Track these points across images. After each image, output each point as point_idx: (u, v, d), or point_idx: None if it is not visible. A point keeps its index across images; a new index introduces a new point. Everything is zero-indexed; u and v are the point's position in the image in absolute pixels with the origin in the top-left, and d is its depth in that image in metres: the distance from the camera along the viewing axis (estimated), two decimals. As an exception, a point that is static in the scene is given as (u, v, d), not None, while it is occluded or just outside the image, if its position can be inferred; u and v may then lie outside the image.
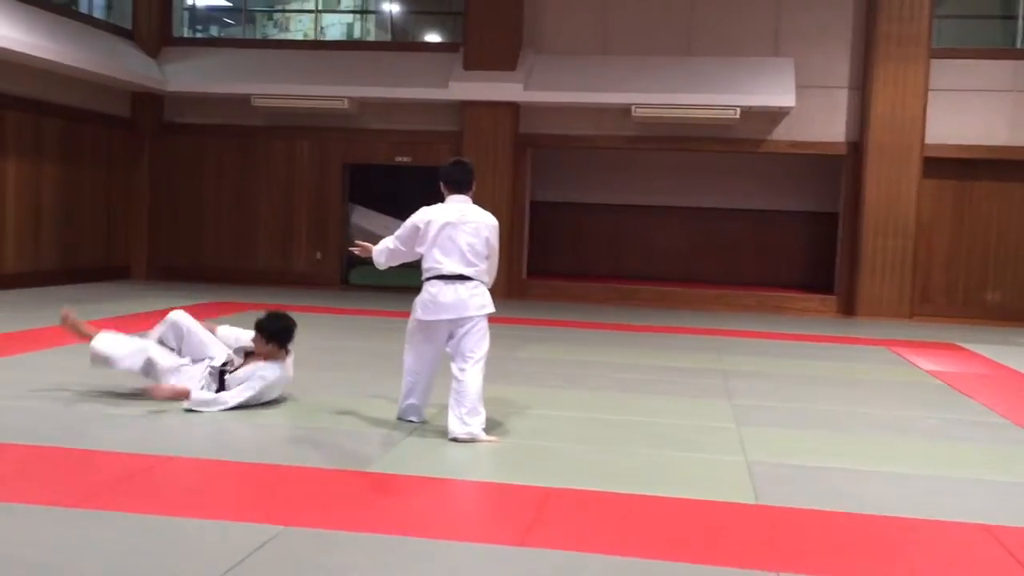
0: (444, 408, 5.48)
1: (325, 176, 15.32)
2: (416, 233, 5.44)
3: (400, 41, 16.57)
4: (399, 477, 4.59)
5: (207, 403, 5.74)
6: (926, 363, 9.23)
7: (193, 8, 17.06)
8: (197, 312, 7.00)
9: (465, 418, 5.29)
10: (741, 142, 14.38)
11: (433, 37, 17.27)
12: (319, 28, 16.61)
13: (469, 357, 5.38)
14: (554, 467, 4.89)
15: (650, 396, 6.98)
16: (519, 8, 14.61)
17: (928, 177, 13.86)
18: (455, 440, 5.26)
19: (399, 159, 15.13)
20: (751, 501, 4.40)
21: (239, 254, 15.49)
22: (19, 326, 9.13)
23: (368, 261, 5.75)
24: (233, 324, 6.41)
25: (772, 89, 13.65)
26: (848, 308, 14.12)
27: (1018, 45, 14.34)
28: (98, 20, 14.91)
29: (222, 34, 17.46)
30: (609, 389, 7.18)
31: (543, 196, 15.88)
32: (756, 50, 14.24)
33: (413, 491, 4.41)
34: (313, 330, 9.75)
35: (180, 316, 6.10)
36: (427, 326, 5.44)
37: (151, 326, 6.31)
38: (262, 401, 5.93)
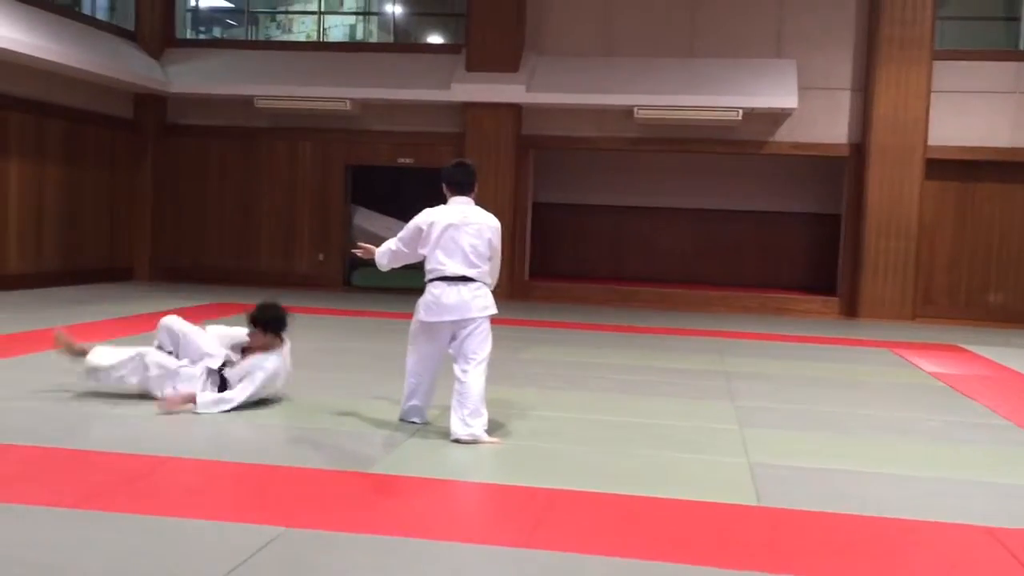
0: (446, 409, 5.47)
1: (327, 177, 15.33)
2: (419, 235, 5.44)
3: (402, 43, 16.58)
4: (401, 478, 4.59)
5: (214, 404, 5.74)
6: (928, 365, 9.22)
7: (196, 9, 17.08)
8: (199, 313, 7.01)
9: (467, 419, 5.28)
10: (743, 143, 14.38)
11: (435, 38, 17.28)
12: (322, 29, 16.63)
13: (471, 358, 5.38)
14: (556, 468, 4.89)
15: (652, 398, 6.97)
16: (521, 10, 14.62)
17: (930, 179, 13.85)
18: (457, 441, 5.26)
19: (401, 160, 15.14)
20: (753, 503, 4.40)
21: (242, 255, 15.50)
22: (22, 327, 9.13)
23: (371, 263, 5.75)
24: (235, 325, 6.41)
25: (775, 91, 13.65)
26: (850, 310, 14.11)
27: (1021, 47, 14.34)
28: (101, 21, 14.93)
29: (225, 35, 17.48)
30: (611, 391, 7.18)
31: (545, 198, 15.88)
32: (759, 52, 14.24)
33: (415, 492, 4.40)
34: (315, 331, 9.76)
35: (172, 320, 6.12)
36: (430, 327, 5.45)
37: (153, 327, 6.31)
38: (266, 394, 5.94)
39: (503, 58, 14.37)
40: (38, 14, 12.63)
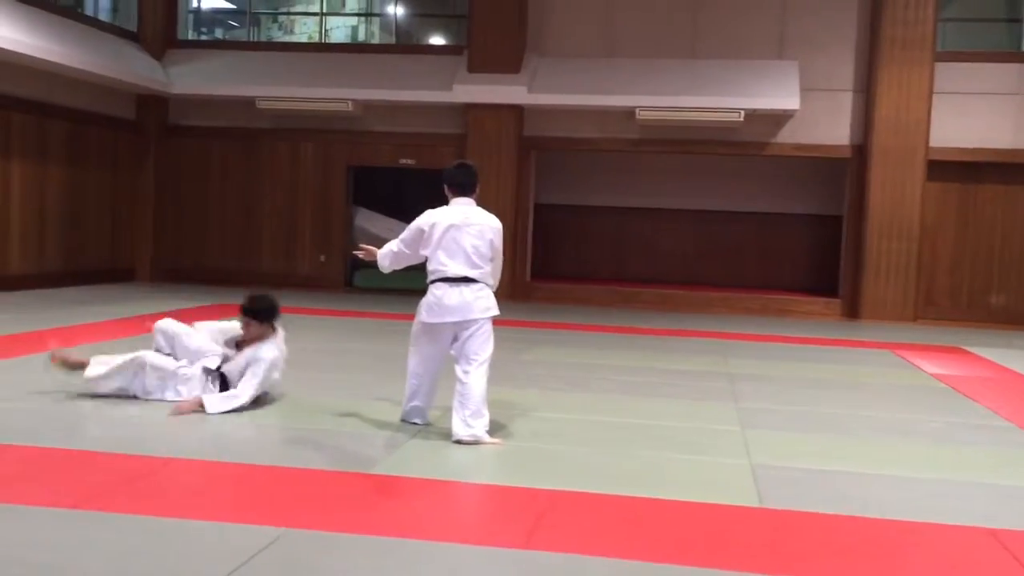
0: (448, 410, 5.47)
1: (329, 178, 15.34)
2: (420, 236, 5.44)
3: (404, 44, 16.57)
4: (402, 479, 4.58)
5: (223, 402, 5.76)
6: (930, 366, 9.21)
7: (198, 11, 17.10)
8: (201, 314, 7.02)
9: (469, 420, 5.28)
10: (745, 145, 14.38)
11: (437, 40, 17.28)
12: (324, 31, 16.63)
13: (473, 359, 5.38)
14: (558, 470, 4.89)
15: (654, 399, 6.97)
16: (523, 11, 14.62)
17: (932, 180, 13.85)
18: (459, 442, 5.25)
19: (403, 161, 15.14)
20: (755, 504, 4.39)
21: (243, 256, 15.51)
22: (24, 328, 9.14)
23: (372, 264, 5.75)
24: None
25: (776, 92, 13.64)
26: (852, 311, 14.10)
27: (1022, 48, 14.32)
28: (103, 22, 14.94)
29: (227, 37, 17.48)
30: (613, 392, 7.17)
31: (547, 199, 15.88)
32: (760, 53, 14.24)
33: (416, 493, 4.40)
34: (317, 332, 9.77)
35: (166, 323, 6.16)
36: (432, 328, 5.44)
37: (154, 328, 6.32)
38: (270, 382, 5.95)
39: (505, 59, 14.37)
40: (40, 15, 12.64)
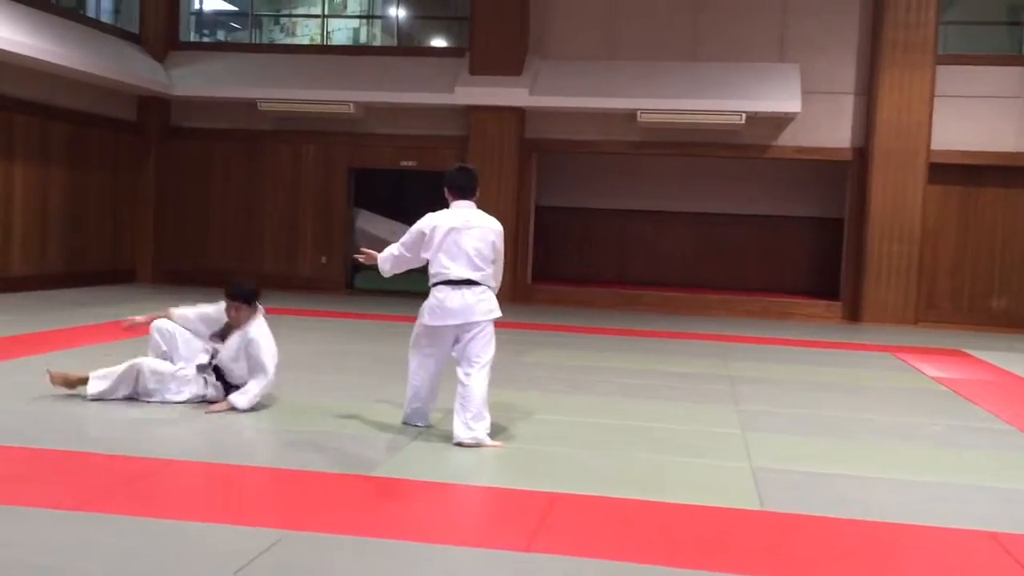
0: (449, 413, 5.47)
1: (331, 180, 15.34)
2: (422, 239, 5.44)
3: (406, 46, 16.59)
4: (403, 482, 4.58)
5: (253, 397, 5.84)
6: (931, 369, 9.20)
7: (200, 13, 17.11)
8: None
9: (470, 423, 5.28)
10: (747, 147, 14.38)
11: (439, 42, 17.29)
12: (326, 33, 16.64)
13: (475, 362, 5.38)
14: (559, 472, 4.89)
15: (655, 401, 6.97)
16: (525, 13, 14.63)
17: (934, 183, 13.84)
18: (460, 445, 5.25)
19: (404, 163, 15.14)
20: (756, 507, 4.39)
21: (245, 258, 15.50)
22: (25, 329, 9.15)
23: (373, 266, 5.75)
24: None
25: (778, 95, 13.65)
26: (853, 314, 14.10)
27: (1024, 51, 14.34)
28: (105, 24, 14.95)
29: (229, 39, 17.50)
30: (614, 394, 7.17)
31: (548, 201, 15.89)
32: (762, 56, 14.24)
33: (417, 496, 4.40)
34: (318, 334, 9.77)
35: (160, 323, 6.19)
36: (434, 331, 5.44)
37: (151, 328, 6.31)
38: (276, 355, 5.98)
39: (506, 61, 14.37)
40: (42, 17, 12.66)
